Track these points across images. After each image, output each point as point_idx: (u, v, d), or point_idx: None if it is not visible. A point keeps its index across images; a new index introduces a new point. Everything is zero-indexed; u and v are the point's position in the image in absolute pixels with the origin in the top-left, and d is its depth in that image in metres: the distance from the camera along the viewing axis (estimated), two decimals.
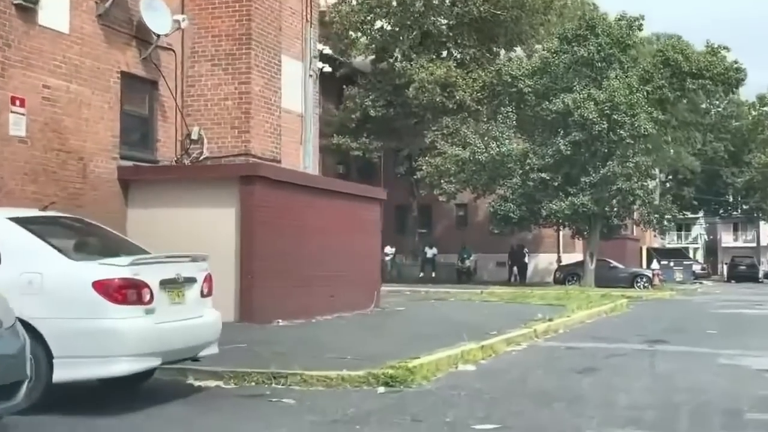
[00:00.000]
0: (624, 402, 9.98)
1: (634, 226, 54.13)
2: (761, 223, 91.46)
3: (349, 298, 19.05)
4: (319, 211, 18.03)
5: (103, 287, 8.51)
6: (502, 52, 47.71)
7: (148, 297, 8.76)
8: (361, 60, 49.08)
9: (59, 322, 8.43)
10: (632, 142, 40.18)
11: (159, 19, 16.88)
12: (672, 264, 57.58)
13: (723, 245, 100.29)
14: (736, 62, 42.36)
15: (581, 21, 42.17)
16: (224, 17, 17.92)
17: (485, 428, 8.35)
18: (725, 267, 79.93)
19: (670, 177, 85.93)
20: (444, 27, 47.38)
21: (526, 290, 35.18)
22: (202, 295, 9.80)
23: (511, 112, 42.60)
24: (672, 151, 61.50)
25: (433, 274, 49.00)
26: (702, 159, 78.32)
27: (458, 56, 47.17)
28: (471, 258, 49.75)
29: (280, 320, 16.14)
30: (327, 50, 25.47)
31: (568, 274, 45.82)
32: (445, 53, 47.93)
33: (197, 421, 8.79)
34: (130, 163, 16.55)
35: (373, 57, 47.80)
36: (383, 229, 53.23)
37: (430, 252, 50.05)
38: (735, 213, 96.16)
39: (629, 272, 46.49)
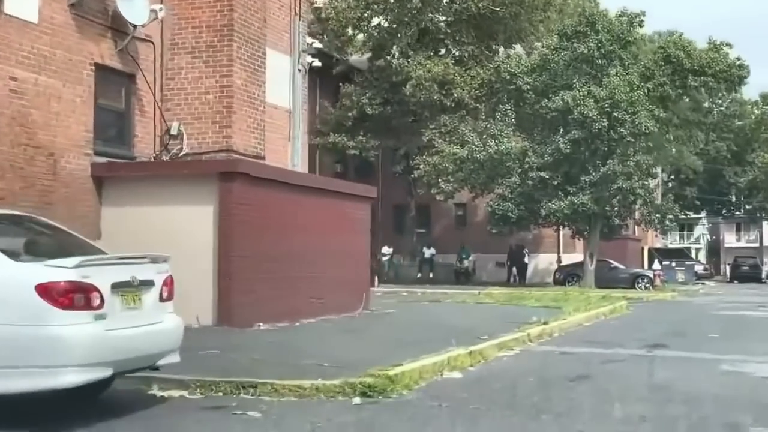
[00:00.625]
0: (618, 414, 9.26)
1: (636, 226, 53.33)
2: (764, 223, 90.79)
3: (336, 301, 18.32)
4: (305, 210, 17.30)
5: (47, 291, 7.76)
6: (501, 49, 46.95)
7: (97, 302, 8.02)
8: (357, 57, 48.41)
9: None
10: (633, 140, 39.49)
11: (135, 9, 16.18)
12: (674, 264, 56.82)
13: (726, 245, 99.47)
14: (738, 59, 41.63)
15: (581, 17, 41.46)
16: (205, 7, 17.21)
17: None
18: (728, 267, 79.16)
19: (672, 177, 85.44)
20: (442, 24, 46.64)
21: (524, 291, 34.46)
22: (162, 300, 9.04)
23: (510, 110, 41.87)
24: (674, 150, 60.80)
25: (431, 275, 48.23)
26: (704, 158, 77.72)
27: (456, 54, 46.47)
28: (470, 258, 48.99)
29: (261, 324, 15.42)
30: (318, 45, 24.70)
31: (568, 275, 45.07)
32: (443, 51, 47.21)
33: None
34: (104, 160, 15.81)
35: (369, 54, 47.06)
36: (381, 229, 53.38)
37: (428, 252, 49.32)
38: (738, 213, 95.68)
39: (630, 273, 45.72)
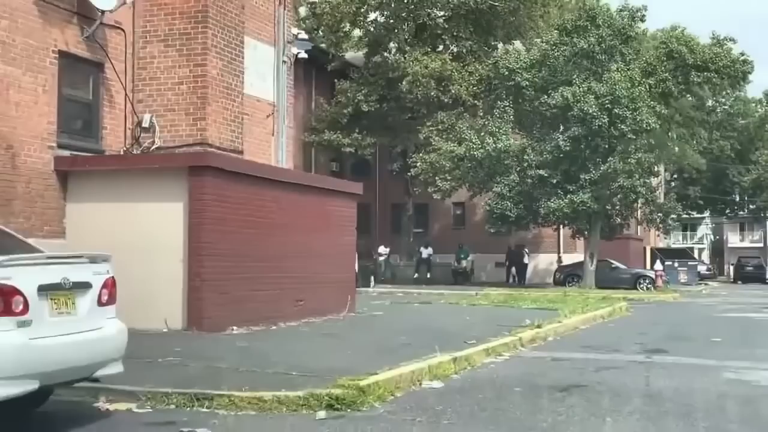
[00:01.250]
0: (608, 431, 8.34)
1: (638, 226, 52.33)
2: None
3: (319, 303, 17.42)
4: (285, 207, 16.38)
5: None
6: (500, 45, 46.01)
7: (20, 306, 7.13)
8: (353, 54, 47.57)
9: None
10: (634, 137, 38.51)
11: None
12: (676, 264, 55.89)
13: (729, 245, 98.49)
14: (742, 54, 40.67)
15: (581, 11, 40.41)
16: None
17: None
18: (731, 268, 78.21)
19: (675, 176, 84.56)
20: (440, 19, 45.73)
21: (522, 292, 33.62)
22: (101, 303, 8.13)
23: (509, 106, 40.93)
24: (677, 148, 59.86)
25: (429, 275, 47.31)
26: (708, 157, 76.72)
27: (454, 50, 45.57)
28: (468, 259, 48.03)
29: (234, 328, 14.52)
30: (304, 36, 23.78)
31: (569, 275, 44.12)
32: (441, 47, 46.29)
33: None
34: (68, 153, 14.89)
35: (366, 50, 46.20)
36: (377, 229, 52.58)
37: (426, 252, 48.37)
38: (741, 213, 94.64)
39: (632, 273, 44.73)
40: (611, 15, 39.92)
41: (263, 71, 20.21)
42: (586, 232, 41.59)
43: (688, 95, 44.22)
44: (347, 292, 18.70)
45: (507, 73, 40.64)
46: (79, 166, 14.81)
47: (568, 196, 38.28)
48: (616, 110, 37.25)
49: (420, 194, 46.43)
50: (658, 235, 65.14)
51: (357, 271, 28.44)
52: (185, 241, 14.11)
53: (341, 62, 45.69)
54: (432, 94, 42.56)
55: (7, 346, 7.01)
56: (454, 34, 45.48)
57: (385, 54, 44.92)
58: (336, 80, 44.97)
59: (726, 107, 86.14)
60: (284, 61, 20.92)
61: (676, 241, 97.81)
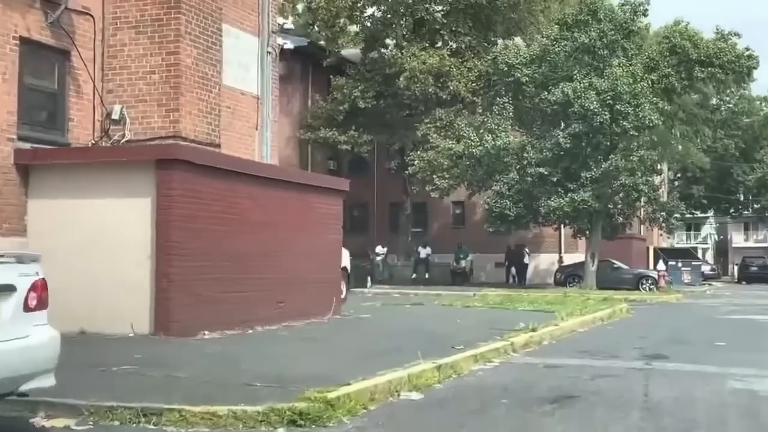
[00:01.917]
0: None
1: (641, 225, 51.36)
2: None
3: (301, 305, 16.50)
4: (265, 204, 15.47)
5: None
6: (500, 41, 45.06)
7: None
8: (350, 50, 46.72)
9: None
10: (636, 134, 37.57)
11: None
12: (680, 265, 54.99)
13: (734, 245, 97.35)
14: (747, 49, 39.74)
15: (582, 5, 39.42)
16: None
17: None
18: (736, 268, 77.24)
19: (679, 175, 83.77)
20: (438, 14, 44.87)
21: (521, 293, 32.74)
22: (28, 309, 7.19)
23: (508, 102, 39.99)
24: (680, 146, 58.94)
25: (427, 276, 46.47)
26: (712, 156, 75.88)
27: (453, 45, 44.67)
28: (467, 258, 47.09)
29: (206, 332, 13.60)
30: (290, 25, 22.90)
31: (569, 276, 43.19)
32: (440, 43, 45.38)
33: None
34: (29, 146, 13.98)
35: (362, 46, 45.32)
36: (375, 228, 51.69)
37: (424, 252, 47.51)
38: (746, 212, 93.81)
39: (634, 273, 43.79)
40: (613, 9, 39.07)
41: (246, 62, 19.32)
42: (587, 232, 40.68)
43: (692, 92, 43.17)
44: (332, 293, 17.78)
45: (506, 68, 39.75)
46: (40, 160, 13.90)
47: (569, 194, 37.38)
48: (617, 106, 36.34)
49: (418, 193, 45.54)
50: (661, 235, 64.23)
51: (350, 271, 27.72)
52: (152, 239, 13.20)
53: (337, 58, 44.84)
54: (430, 90, 41.70)
55: None
56: (453, 29, 44.59)
57: (382, 50, 44.02)
58: (332, 76, 44.09)
59: (730, 105, 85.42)
60: (269, 52, 20.02)
61: (679, 240, 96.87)
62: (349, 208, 53.45)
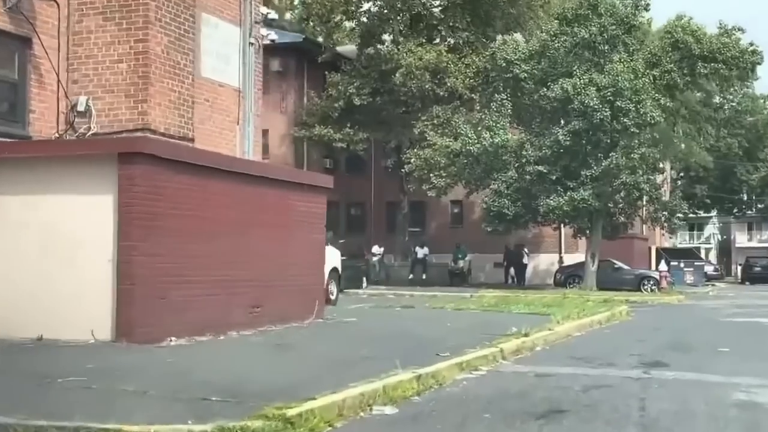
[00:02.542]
0: None
1: (643, 225, 50.43)
2: None
3: (280, 309, 15.60)
4: (240, 202, 14.55)
5: None
6: (499, 37, 44.16)
7: None
8: (346, 47, 45.93)
9: None
10: (637, 131, 36.67)
11: None
12: (682, 265, 54.14)
13: (737, 245, 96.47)
14: (751, 44, 38.81)
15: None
16: None
17: None
18: (739, 268, 76.39)
19: (682, 174, 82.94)
20: (436, 9, 44.09)
21: (519, 294, 31.85)
22: None
23: (506, 99, 39.06)
24: (683, 145, 58.00)
25: (424, 276, 45.60)
26: (715, 155, 75.00)
27: (451, 41, 43.81)
28: (465, 259, 46.18)
29: (173, 338, 12.70)
30: (274, 15, 21.93)
31: (570, 276, 42.31)
32: (437, 38, 44.55)
33: None
34: None
35: (358, 41, 44.49)
36: (372, 228, 50.83)
37: (421, 252, 46.62)
38: (749, 212, 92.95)
39: (635, 274, 42.91)
40: (614, 3, 38.17)
41: (227, 53, 18.46)
42: (587, 231, 39.83)
43: (695, 89, 42.26)
44: (315, 296, 16.86)
45: (505, 64, 38.91)
46: None
47: (568, 193, 36.54)
48: (618, 103, 35.50)
49: (416, 192, 44.70)
50: (663, 235, 63.34)
51: (341, 272, 26.89)
52: (114, 239, 12.29)
53: (332, 54, 44.04)
54: (427, 87, 40.92)
55: None
56: (451, 24, 43.83)
57: (378, 46, 43.17)
58: (327, 72, 43.23)
59: (734, 104, 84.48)
60: (251, 43, 19.13)
61: (682, 240, 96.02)
62: (346, 207, 52.89)
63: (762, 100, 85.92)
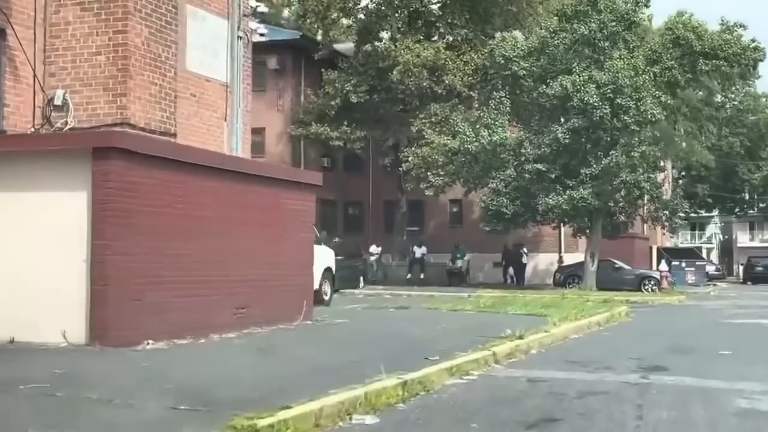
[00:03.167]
0: None
1: (644, 224, 49.85)
2: None
3: (267, 310, 15.09)
4: (224, 199, 14.02)
5: None
6: (498, 34, 43.60)
7: None
8: (343, 45, 45.40)
9: None
10: (638, 129, 36.09)
11: None
12: (684, 265, 53.58)
13: (739, 245, 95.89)
14: (753, 41, 38.26)
15: None
16: None
17: None
18: (741, 268, 75.86)
19: (683, 173, 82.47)
20: (434, 6, 43.54)
21: (517, 294, 31.30)
22: None
23: (505, 97, 38.49)
24: (684, 143, 57.46)
25: (422, 276, 45.03)
26: (717, 154, 74.48)
27: (450, 39, 43.26)
28: (464, 258, 45.62)
29: (150, 341, 12.17)
30: (264, 8, 21.36)
31: (569, 276, 41.74)
32: (436, 36, 44.00)
33: None
34: None
35: (355, 39, 43.95)
36: (370, 227, 50.30)
37: (419, 251, 46.05)
38: (751, 211, 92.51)
39: (636, 274, 42.34)
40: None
41: (214, 47, 17.92)
42: (587, 231, 39.27)
43: (696, 86, 41.68)
44: (303, 297, 16.32)
45: (503, 61, 38.30)
46: None
47: (568, 191, 35.97)
48: (618, 100, 34.91)
49: (414, 191, 44.13)
50: (664, 234, 62.80)
51: (335, 272, 26.37)
52: (89, 238, 11.75)
53: (329, 51, 43.50)
54: (424, 84, 40.38)
55: None
56: (449, 21, 43.27)
57: (376, 43, 42.63)
58: (323, 69, 42.69)
59: (735, 103, 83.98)
60: (240, 37, 18.60)
61: (684, 240, 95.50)
62: (344, 206, 52.38)
63: (764, 99, 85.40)
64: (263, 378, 10.00)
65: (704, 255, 79.60)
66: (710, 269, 64.05)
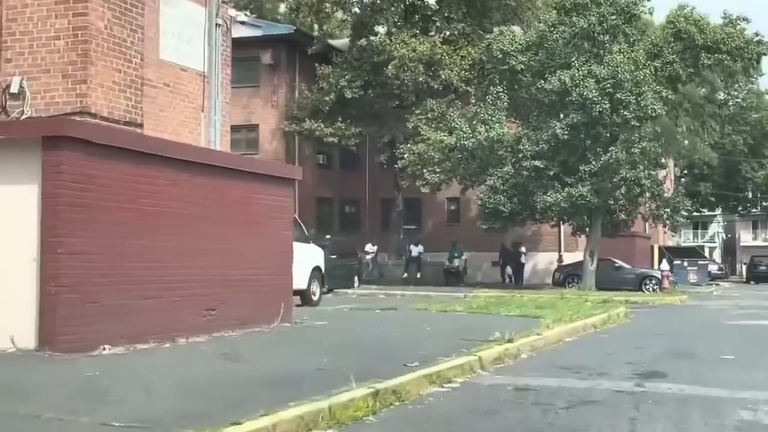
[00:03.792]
0: None
1: (645, 223, 48.94)
2: None
3: (241, 312, 14.20)
4: (191, 193, 13.12)
5: None
6: (496, 29, 42.68)
7: None
8: (337, 41, 44.53)
9: None
10: (638, 124, 35.21)
11: None
12: (686, 264, 52.77)
13: (742, 244, 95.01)
14: (757, 34, 37.36)
15: None
16: None
17: None
18: (744, 267, 74.97)
19: (686, 171, 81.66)
20: (431, 0, 42.62)
21: (515, 294, 30.58)
22: None
23: (503, 92, 37.59)
24: (686, 141, 56.58)
25: (419, 275, 44.16)
26: (720, 152, 73.60)
27: (447, 33, 42.36)
28: (461, 258, 44.71)
29: (107, 347, 11.29)
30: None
31: (569, 276, 40.86)
32: (433, 30, 43.10)
33: None
34: None
35: (350, 34, 43.08)
36: (367, 225, 49.44)
37: (416, 250, 45.19)
38: (754, 210, 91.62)
39: (637, 273, 41.46)
40: None
41: (190, 34, 17.04)
42: (586, 229, 38.38)
43: (698, 81, 40.80)
44: (281, 298, 15.41)
45: (501, 56, 37.44)
46: None
47: (566, 189, 35.09)
48: (618, 95, 34.07)
49: (412, 189, 43.19)
50: (666, 233, 61.94)
51: (324, 271, 25.54)
52: (38, 235, 10.85)
53: (323, 45, 42.61)
54: (420, 79, 39.49)
55: None
56: (446, 15, 42.39)
57: (371, 37, 41.74)
58: (317, 64, 41.79)
59: (738, 100, 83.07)
60: (218, 24, 17.70)
61: (686, 239, 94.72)
62: (341, 204, 51.49)
63: (767, 96, 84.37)
64: (219, 388, 9.12)
65: (707, 254, 78.82)
66: (713, 268, 63.41)
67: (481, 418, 8.87)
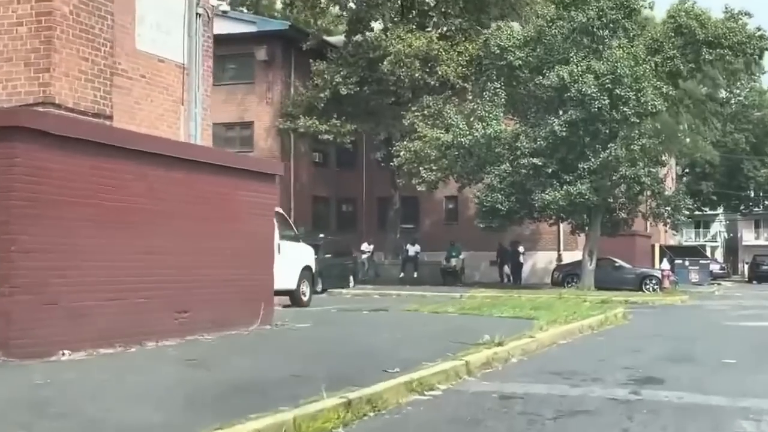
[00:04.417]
0: None
1: (646, 221, 48.20)
2: None
3: (216, 314, 13.48)
4: (161, 189, 12.39)
5: None
6: (493, 24, 41.97)
7: None
8: (334, 35, 43.83)
9: None
10: (638, 121, 34.52)
11: None
12: (687, 263, 52.12)
13: (744, 243, 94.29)
14: (759, 29, 36.68)
15: None
16: None
17: None
18: (746, 266, 74.29)
19: (687, 170, 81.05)
20: None
21: (512, 294, 29.90)
22: None
23: (500, 88, 36.90)
24: (688, 139, 55.89)
25: (416, 275, 43.51)
26: (722, 150, 72.96)
27: (444, 29, 41.66)
28: (459, 257, 44.02)
29: (66, 352, 10.58)
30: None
31: (568, 275, 40.22)
32: (430, 26, 42.38)
33: None
34: None
35: (346, 29, 42.40)
36: (364, 224, 48.74)
37: (413, 249, 44.55)
38: (757, 209, 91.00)
39: (637, 273, 40.82)
40: None
41: (168, 24, 16.36)
42: (585, 228, 37.68)
43: (700, 77, 40.07)
44: (261, 299, 14.69)
45: (498, 51, 36.76)
46: None
47: (565, 187, 34.37)
48: (617, 91, 33.36)
49: (409, 187, 42.49)
50: (667, 232, 61.25)
51: (314, 270, 24.94)
52: None
53: (318, 41, 41.90)
54: (416, 75, 38.82)
55: None
56: (443, 11, 41.67)
57: (367, 33, 41.05)
58: (311, 60, 41.09)
59: (740, 98, 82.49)
60: (198, 14, 17.01)
61: (688, 238, 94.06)
62: (337, 203, 50.82)
63: None
64: (177, 397, 8.40)
65: (709, 253, 78.08)
66: (714, 268, 62.97)
67: (462, 429, 8.18)
